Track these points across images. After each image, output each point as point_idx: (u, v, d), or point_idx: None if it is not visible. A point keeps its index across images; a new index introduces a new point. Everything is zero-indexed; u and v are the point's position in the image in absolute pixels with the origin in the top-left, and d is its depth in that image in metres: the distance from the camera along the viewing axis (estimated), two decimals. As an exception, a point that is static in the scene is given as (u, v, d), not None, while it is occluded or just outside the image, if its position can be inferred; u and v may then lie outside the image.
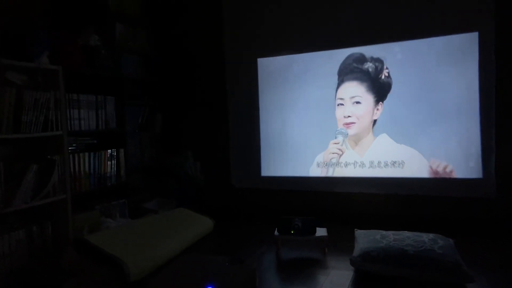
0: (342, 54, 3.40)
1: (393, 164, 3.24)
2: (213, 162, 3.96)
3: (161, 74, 4.05)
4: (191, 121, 4.06)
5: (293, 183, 3.63)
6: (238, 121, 3.85)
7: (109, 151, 3.29)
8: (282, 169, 3.68)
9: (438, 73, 3.12)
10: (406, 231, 2.52)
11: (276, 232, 2.74)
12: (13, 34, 2.58)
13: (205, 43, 3.96)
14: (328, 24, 3.44)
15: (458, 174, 3.10)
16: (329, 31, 3.44)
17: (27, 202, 2.51)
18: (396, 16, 3.21)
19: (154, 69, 3.98)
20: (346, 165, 3.39)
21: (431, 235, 2.43)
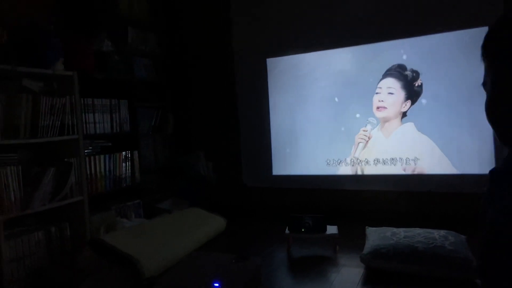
0: (350, 52, 3.42)
1: (406, 160, 3.25)
2: (225, 162, 4.01)
3: (172, 76, 4.12)
4: (202, 122, 4.12)
5: (304, 182, 3.65)
6: (248, 120, 3.89)
7: (124, 153, 3.37)
8: (293, 168, 3.70)
9: (449, 68, 3.10)
10: (417, 228, 2.52)
11: (287, 230, 2.77)
12: (28, 42, 2.66)
13: (214, 44, 4.01)
14: (336, 22, 3.45)
15: (471, 170, 3.08)
16: (337, 30, 3.45)
17: (45, 204, 2.59)
18: (406, 12, 3.21)
19: (165, 71, 4.05)
20: (358, 162, 3.42)
21: (442, 232, 2.42)
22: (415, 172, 3.23)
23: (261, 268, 2.20)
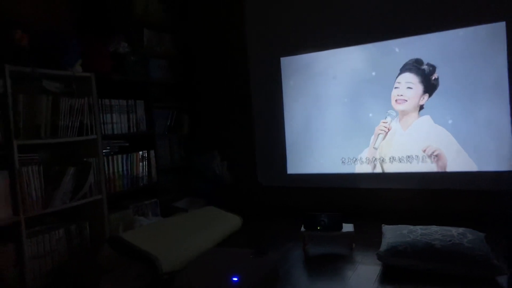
0: (365, 49, 3.41)
1: (423, 158, 3.23)
2: (240, 161, 4.03)
3: (187, 76, 4.16)
4: (217, 122, 4.15)
5: (319, 180, 3.65)
6: (263, 120, 3.91)
7: (140, 152, 3.42)
8: (308, 167, 3.70)
9: (465, 64, 3.06)
10: (434, 226, 2.49)
11: (302, 228, 2.77)
12: (48, 45, 2.73)
13: (229, 44, 4.04)
14: (351, 20, 3.43)
15: (489, 167, 3.03)
16: (352, 27, 3.44)
17: (65, 202, 2.66)
18: (421, 9, 3.18)
19: (180, 72, 4.10)
20: (374, 160, 3.41)
21: (460, 229, 2.39)
22: (434, 162, 3.22)
23: (279, 263, 2.21)
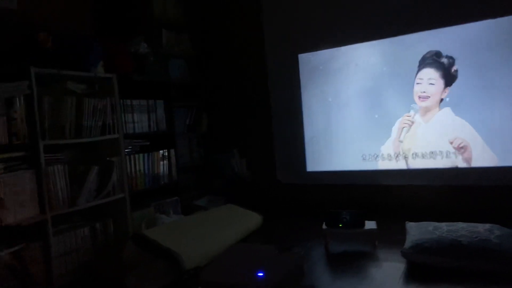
0: (384, 44, 3.36)
1: (447, 153, 3.17)
2: (259, 159, 4.03)
3: (205, 75, 4.19)
4: (236, 120, 4.16)
5: (340, 178, 3.62)
6: (281, 117, 3.89)
7: (161, 151, 3.46)
8: (327, 164, 3.67)
9: (487, 57, 2.99)
10: (460, 222, 2.45)
11: (324, 226, 2.75)
12: (70, 47, 2.78)
13: (246, 42, 4.04)
14: (370, 14, 3.38)
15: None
16: (371, 21, 3.38)
17: (90, 201, 2.71)
18: (441, 1, 3.12)
19: (199, 71, 4.12)
20: (396, 156, 3.36)
21: (487, 225, 2.35)
22: (459, 154, 3.17)
23: (304, 259, 2.20)
